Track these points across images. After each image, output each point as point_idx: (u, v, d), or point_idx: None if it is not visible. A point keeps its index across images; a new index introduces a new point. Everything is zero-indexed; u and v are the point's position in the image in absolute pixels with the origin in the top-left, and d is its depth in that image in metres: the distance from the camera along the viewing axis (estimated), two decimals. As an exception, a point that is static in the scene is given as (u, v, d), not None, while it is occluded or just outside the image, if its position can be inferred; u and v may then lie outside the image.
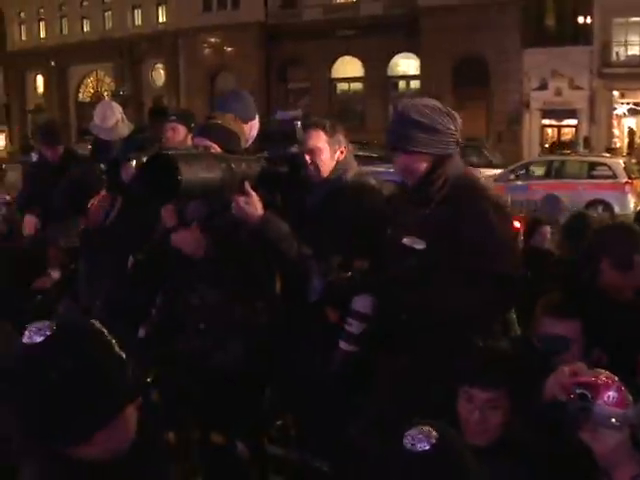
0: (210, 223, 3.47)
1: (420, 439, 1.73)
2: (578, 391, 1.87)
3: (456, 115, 3.19)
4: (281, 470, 3.92)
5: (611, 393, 1.87)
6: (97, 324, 1.73)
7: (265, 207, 3.24)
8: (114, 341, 1.72)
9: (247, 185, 3.17)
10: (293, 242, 3.31)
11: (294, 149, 3.46)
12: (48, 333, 1.61)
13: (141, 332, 3.51)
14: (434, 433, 1.75)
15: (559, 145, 30.62)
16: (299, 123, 3.55)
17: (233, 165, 3.06)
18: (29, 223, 5.84)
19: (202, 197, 3.32)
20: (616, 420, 1.82)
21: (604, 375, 1.92)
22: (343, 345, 3.13)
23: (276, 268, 3.53)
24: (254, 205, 3.21)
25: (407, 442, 1.73)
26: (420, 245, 2.97)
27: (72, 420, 1.60)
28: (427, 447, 1.72)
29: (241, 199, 3.19)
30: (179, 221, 3.48)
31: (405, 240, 3.00)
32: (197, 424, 3.60)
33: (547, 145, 33.01)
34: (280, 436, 4.02)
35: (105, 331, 1.72)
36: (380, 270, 3.10)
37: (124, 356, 1.71)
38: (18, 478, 1.80)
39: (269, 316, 3.52)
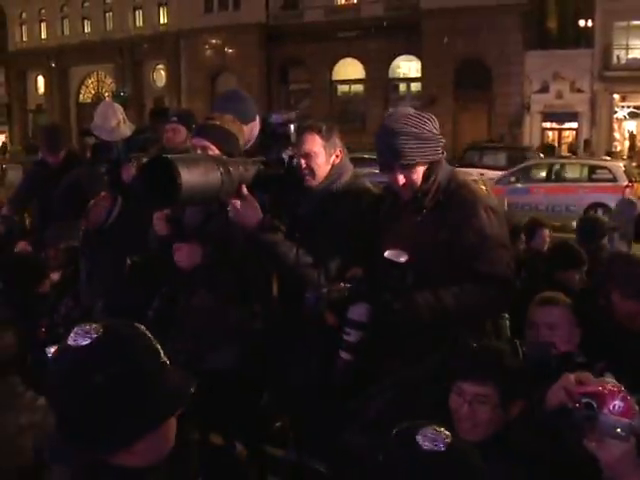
0: (206, 227, 3.47)
1: (434, 439, 1.72)
2: (584, 400, 1.85)
3: (435, 118, 3.17)
4: (279, 471, 3.92)
5: (617, 402, 1.85)
6: (144, 329, 1.70)
7: (263, 211, 3.23)
8: (159, 347, 1.69)
9: (244, 188, 3.16)
10: (291, 246, 3.30)
11: (289, 152, 3.43)
12: (95, 336, 1.59)
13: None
14: (446, 433, 1.74)
15: (545, 146, 30.44)
16: (292, 126, 3.52)
17: (231, 168, 3.04)
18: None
19: (201, 202, 3.31)
20: (622, 430, 1.80)
21: (610, 384, 1.91)
22: (344, 355, 3.11)
23: (273, 271, 3.52)
24: (251, 209, 3.19)
25: (421, 442, 1.71)
26: (403, 258, 2.94)
27: (114, 425, 1.58)
28: (442, 447, 1.70)
29: (238, 203, 3.17)
30: (176, 227, 3.47)
31: (387, 254, 2.97)
32: (196, 425, 3.61)
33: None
34: (279, 437, 4.02)
35: (151, 337, 1.69)
36: (374, 278, 3.08)
37: (169, 363, 1.69)
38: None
39: (266, 319, 3.52)
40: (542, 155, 24.95)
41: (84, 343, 1.58)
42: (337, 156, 3.51)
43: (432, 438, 1.71)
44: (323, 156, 3.46)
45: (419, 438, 1.71)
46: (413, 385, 3.02)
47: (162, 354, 1.68)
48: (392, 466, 1.74)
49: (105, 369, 1.56)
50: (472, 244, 3.03)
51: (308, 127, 3.52)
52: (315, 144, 3.45)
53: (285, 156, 3.40)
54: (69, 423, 1.61)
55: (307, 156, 3.44)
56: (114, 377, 1.56)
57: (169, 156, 2.92)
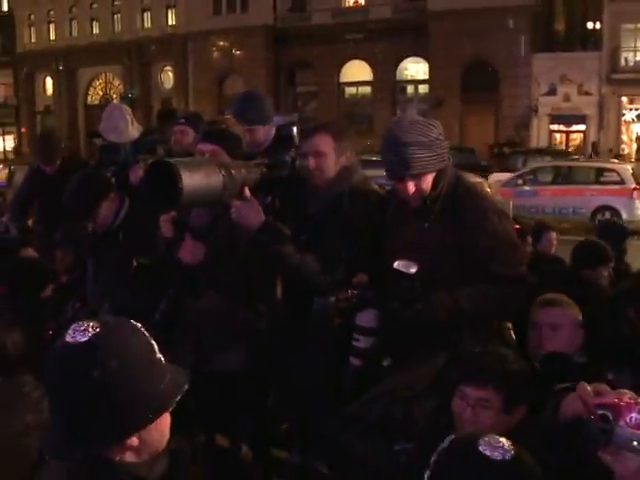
0: (213, 228, 3.47)
1: (499, 447, 1.72)
2: (599, 412, 1.81)
3: (440, 124, 3.17)
4: (284, 473, 3.93)
5: (634, 415, 1.80)
6: (139, 325, 1.74)
7: (266, 213, 3.23)
8: (155, 345, 1.73)
9: (247, 191, 3.16)
10: (295, 247, 3.29)
11: (292, 154, 3.43)
12: (92, 333, 1.62)
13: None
14: (508, 441, 1.75)
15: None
16: (295, 128, 3.51)
17: (233, 171, 3.05)
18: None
19: (203, 205, 3.32)
20: (638, 443, 1.76)
21: (627, 396, 1.86)
22: (354, 361, 3.12)
23: (277, 273, 3.53)
24: (254, 211, 3.19)
25: (488, 452, 1.71)
26: (413, 269, 2.94)
27: (109, 419, 1.61)
28: (508, 456, 1.71)
29: (241, 205, 3.18)
30: (182, 229, 3.48)
31: (396, 265, 2.96)
32: (202, 427, 3.62)
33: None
34: (285, 440, 4.03)
35: (147, 334, 1.73)
36: (381, 284, 3.08)
37: (164, 360, 1.73)
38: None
39: (270, 320, 3.53)
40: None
41: (83, 340, 1.61)
42: (347, 158, 3.50)
43: (498, 447, 1.72)
44: (333, 157, 3.45)
45: (484, 448, 1.72)
46: (414, 389, 3.03)
47: (157, 350, 1.72)
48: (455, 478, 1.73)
49: (103, 365, 1.59)
50: (486, 247, 3.04)
51: (320, 127, 3.53)
52: (325, 144, 3.44)
53: (288, 158, 3.40)
54: (65, 418, 1.64)
55: (317, 155, 3.43)
56: (111, 372, 1.59)
57: (171, 160, 2.93)
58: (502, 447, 1.72)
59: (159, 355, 1.72)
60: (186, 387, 1.73)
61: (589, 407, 1.87)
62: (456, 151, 25.91)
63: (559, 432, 2.02)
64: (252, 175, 3.19)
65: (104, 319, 1.70)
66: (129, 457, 1.68)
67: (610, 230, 6.61)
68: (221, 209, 3.39)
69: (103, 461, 1.66)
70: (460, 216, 3.08)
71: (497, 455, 1.70)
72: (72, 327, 1.65)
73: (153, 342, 1.72)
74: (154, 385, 1.66)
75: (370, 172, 3.88)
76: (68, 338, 1.63)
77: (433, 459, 1.80)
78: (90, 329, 1.63)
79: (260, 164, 3.31)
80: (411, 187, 3.09)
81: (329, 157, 3.44)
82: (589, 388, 1.94)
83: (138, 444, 1.67)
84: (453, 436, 1.82)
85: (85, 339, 1.61)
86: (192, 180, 2.82)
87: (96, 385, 1.58)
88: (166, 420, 1.73)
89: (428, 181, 3.10)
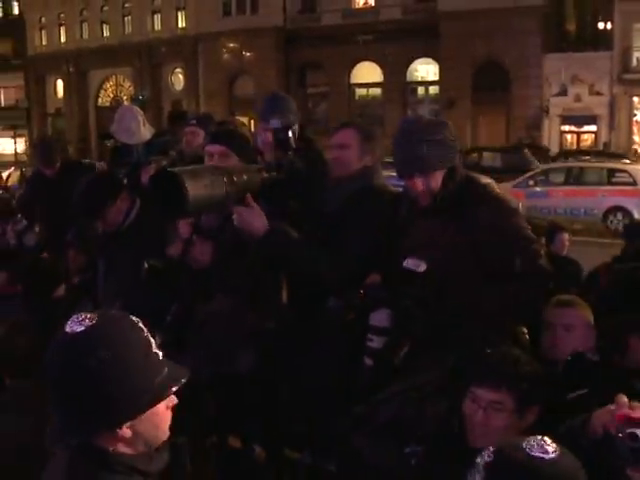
0: (223, 229, 3.47)
1: (546, 446, 1.72)
2: (629, 430, 1.82)
3: (450, 123, 3.22)
4: (297, 474, 3.92)
5: None
6: (137, 320, 1.78)
7: (268, 217, 3.23)
8: (152, 338, 1.77)
9: (249, 197, 3.16)
10: (302, 249, 3.30)
11: (290, 157, 3.45)
12: (89, 323, 1.68)
13: (157, 339, 3.51)
14: (550, 440, 1.75)
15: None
16: (291, 131, 3.53)
17: (235, 178, 3.05)
18: None
19: (208, 211, 3.33)
20: None
21: None
22: (368, 361, 3.14)
23: (286, 274, 3.53)
24: (257, 216, 3.20)
25: (536, 453, 1.70)
26: (422, 267, 2.95)
27: (100, 407, 1.65)
28: (557, 453, 1.71)
29: (243, 211, 3.18)
30: (195, 231, 3.49)
31: (406, 263, 2.98)
32: (214, 428, 3.62)
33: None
34: (297, 440, 4.02)
35: (144, 328, 1.77)
36: (393, 284, 3.09)
37: (160, 354, 1.76)
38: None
39: (277, 322, 3.54)
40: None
41: (79, 330, 1.67)
42: (372, 159, 3.55)
43: (547, 446, 1.71)
44: (356, 151, 3.50)
45: (534, 451, 1.71)
46: (427, 389, 3.02)
47: (155, 346, 1.77)
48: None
49: (95, 353, 1.65)
50: (501, 245, 3.06)
51: (348, 123, 3.66)
52: (350, 137, 3.52)
53: (286, 161, 3.42)
54: (61, 402, 1.70)
55: (340, 147, 3.51)
56: (103, 361, 1.64)
57: (175, 169, 2.95)
58: (550, 445, 1.72)
59: (157, 351, 1.76)
60: (183, 382, 1.76)
61: (619, 417, 1.85)
62: (501, 152, 25.48)
63: (588, 448, 2.00)
64: (254, 180, 3.20)
65: (104, 312, 1.77)
66: (123, 448, 1.73)
67: (637, 231, 6.61)
68: (230, 211, 3.40)
69: (97, 451, 1.71)
70: (473, 215, 3.10)
71: (549, 455, 1.70)
72: (72, 318, 1.71)
73: (151, 338, 1.77)
74: (148, 378, 1.70)
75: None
76: (67, 328, 1.69)
77: (479, 477, 1.74)
78: (87, 320, 1.69)
79: (261, 169, 3.32)
80: (419, 185, 3.13)
81: (352, 150, 3.51)
82: (625, 400, 1.93)
83: (131, 435, 1.71)
84: (491, 449, 1.77)
85: (81, 329, 1.67)
86: (196, 189, 2.83)
87: (89, 372, 1.64)
88: (163, 414, 1.76)
89: (437, 179, 3.13)
